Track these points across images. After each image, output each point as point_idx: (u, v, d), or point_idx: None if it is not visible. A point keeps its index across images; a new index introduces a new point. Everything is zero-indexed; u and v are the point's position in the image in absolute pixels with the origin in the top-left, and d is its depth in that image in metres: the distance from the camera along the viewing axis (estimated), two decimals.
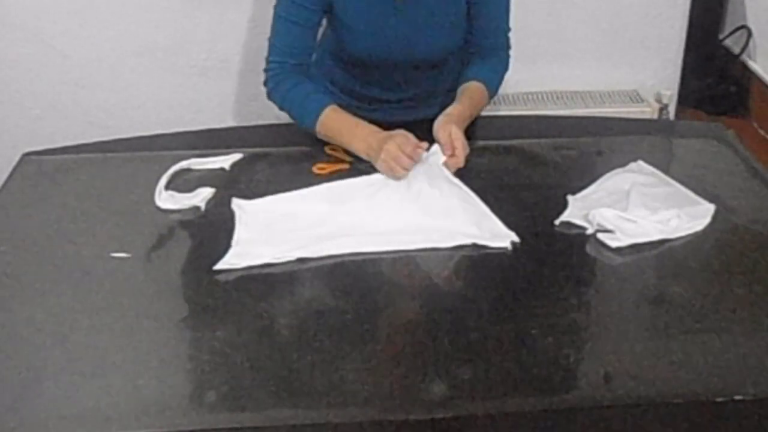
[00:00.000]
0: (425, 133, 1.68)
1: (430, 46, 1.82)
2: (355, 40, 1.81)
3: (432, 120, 1.72)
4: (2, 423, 1.13)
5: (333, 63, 1.91)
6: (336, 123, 1.73)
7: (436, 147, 1.65)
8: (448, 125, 1.68)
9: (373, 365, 1.22)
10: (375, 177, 1.63)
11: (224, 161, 1.72)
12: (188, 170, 1.71)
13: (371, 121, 1.72)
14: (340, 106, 1.77)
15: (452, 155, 1.64)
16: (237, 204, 1.57)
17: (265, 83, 1.81)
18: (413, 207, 1.56)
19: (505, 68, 1.92)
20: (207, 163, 1.72)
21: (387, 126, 1.69)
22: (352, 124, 1.72)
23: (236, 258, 1.42)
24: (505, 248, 1.45)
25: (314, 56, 1.89)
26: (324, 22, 1.86)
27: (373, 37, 1.79)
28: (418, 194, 1.58)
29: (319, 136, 1.75)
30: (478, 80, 1.84)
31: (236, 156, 1.74)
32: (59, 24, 2.43)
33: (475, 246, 1.46)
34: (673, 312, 1.33)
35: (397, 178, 1.60)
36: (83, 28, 2.43)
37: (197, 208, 1.59)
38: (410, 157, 1.60)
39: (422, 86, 1.91)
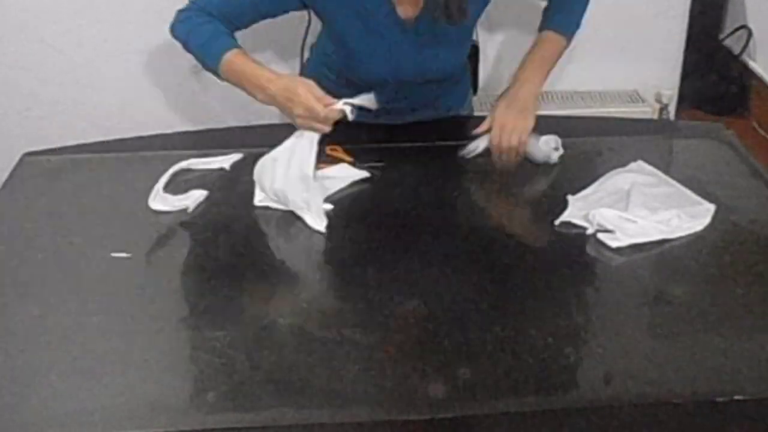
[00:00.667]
0: (428, 133, 1.67)
1: (440, 63, 1.78)
2: (363, 64, 1.75)
3: (437, 120, 1.72)
4: (2, 423, 1.13)
5: (330, 72, 1.85)
6: (240, 66, 1.63)
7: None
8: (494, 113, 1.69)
9: (373, 365, 1.22)
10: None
11: (224, 161, 1.72)
12: (188, 170, 1.71)
13: (372, 123, 1.70)
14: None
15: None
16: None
17: (176, 16, 1.72)
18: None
19: (584, 7, 1.87)
20: (207, 163, 1.72)
21: (370, 125, 1.68)
22: (256, 69, 1.62)
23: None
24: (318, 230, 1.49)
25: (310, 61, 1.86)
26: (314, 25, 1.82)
27: (381, 60, 1.74)
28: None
29: (222, 78, 1.67)
30: (551, 29, 1.81)
31: (236, 156, 1.74)
32: (59, 24, 2.43)
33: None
34: (673, 312, 1.33)
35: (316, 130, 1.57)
36: (83, 28, 2.43)
37: (197, 207, 1.59)
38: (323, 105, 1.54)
39: (424, 98, 1.88)
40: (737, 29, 3.13)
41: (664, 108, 2.66)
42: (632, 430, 1.18)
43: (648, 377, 1.19)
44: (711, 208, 1.55)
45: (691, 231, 1.51)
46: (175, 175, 1.68)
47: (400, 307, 1.32)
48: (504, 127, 1.70)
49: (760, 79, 3.06)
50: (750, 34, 3.09)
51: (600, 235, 1.48)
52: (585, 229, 1.50)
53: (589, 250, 1.47)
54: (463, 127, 1.98)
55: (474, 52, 2.61)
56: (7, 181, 1.70)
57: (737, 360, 1.22)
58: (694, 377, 1.21)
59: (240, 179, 1.68)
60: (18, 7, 2.41)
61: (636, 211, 1.51)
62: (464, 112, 2.03)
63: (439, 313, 1.32)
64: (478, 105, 2.63)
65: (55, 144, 1.85)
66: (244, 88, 1.64)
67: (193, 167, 1.71)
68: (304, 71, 1.94)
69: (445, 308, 1.33)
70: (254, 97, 1.63)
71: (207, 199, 1.62)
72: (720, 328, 1.29)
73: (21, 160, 1.77)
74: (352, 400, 1.17)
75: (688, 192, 1.60)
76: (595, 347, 1.28)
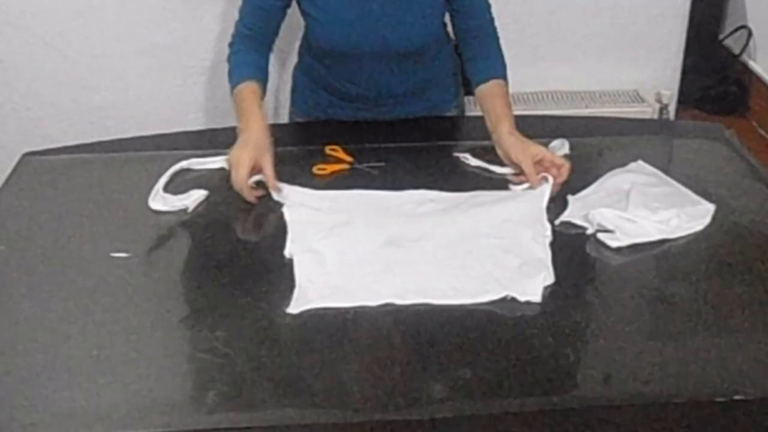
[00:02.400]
0: (411, 131, 1.66)
1: (407, 34, 1.79)
2: (329, 32, 1.79)
3: (418, 118, 1.72)
4: (2, 423, 1.13)
5: (311, 59, 1.91)
6: (238, 102, 1.75)
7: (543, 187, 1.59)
8: (531, 149, 1.62)
9: (373, 365, 1.22)
10: (424, 194, 1.61)
11: (224, 161, 1.72)
12: (188, 170, 1.71)
13: (359, 121, 1.71)
14: (326, 105, 1.78)
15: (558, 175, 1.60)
16: (289, 219, 1.54)
17: (228, 58, 1.84)
18: (459, 241, 1.48)
19: (499, 46, 1.87)
20: (207, 163, 1.72)
21: (369, 125, 1.68)
22: (246, 112, 1.71)
23: (302, 301, 1.34)
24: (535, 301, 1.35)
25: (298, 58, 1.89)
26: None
27: (346, 27, 1.77)
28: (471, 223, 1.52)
29: None
30: (497, 78, 1.81)
31: None
32: (59, 24, 2.43)
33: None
34: (673, 312, 1.33)
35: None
36: (83, 28, 2.43)
37: (197, 207, 1.59)
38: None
39: (404, 81, 1.88)
40: (737, 29, 3.14)
41: (664, 108, 2.66)
42: (632, 430, 1.18)
43: (648, 377, 1.19)
44: (711, 208, 1.55)
45: (691, 231, 1.51)
46: (175, 175, 1.68)
47: (401, 306, 1.32)
48: (535, 156, 1.65)
49: (760, 79, 3.06)
50: (750, 34, 3.09)
51: (600, 235, 1.48)
52: (585, 229, 1.50)
53: (589, 250, 1.47)
54: (457, 125, 1.99)
55: None
56: (7, 181, 1.70)
57: (737, 360, 1.22)
58: (694, 377, 1.20)
59: None
60: (18, 7, 2.41)
61: (636, 211, 1.51)
62: (454, 112, 2.03)
63: (439, 313, 1.32)
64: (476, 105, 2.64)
65: (55, 144, 1.85)
66: None
67: (193, 167, 1.71)
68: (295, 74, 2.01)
69: (445, 308, 1.32)
70: None
71: (207, 199, 1.62)
72: (720, 328, 1.29)
73: (21, 160, 1.77)
74: (352, 400, 1.17)
75: (688, 192, 1.60)
76: (595, 347, 1.28)
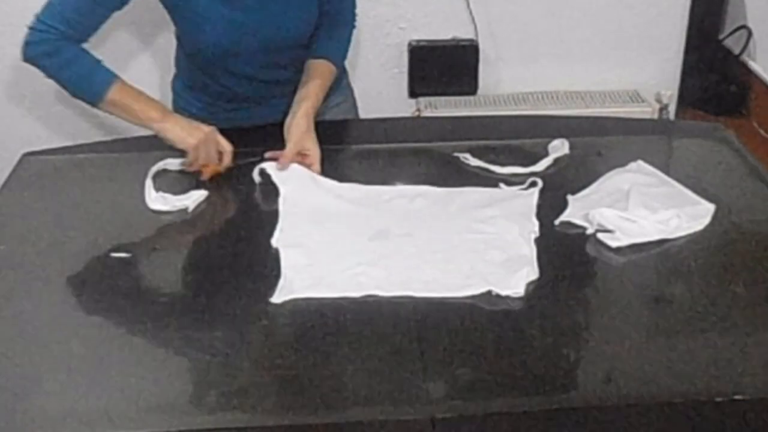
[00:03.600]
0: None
1: (292, 23, 1.76)
2: (208, 31, 1.71)
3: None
4: (2, 423, 1.13)
5: (188, 63, 1.85)
6: (131, 92, 1.68)
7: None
8: (307, 140, 1.68)
9: (373, 365, 1.22)
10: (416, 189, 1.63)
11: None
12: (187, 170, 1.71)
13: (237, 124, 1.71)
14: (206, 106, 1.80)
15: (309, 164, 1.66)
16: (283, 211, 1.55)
17: (31, 43, 1.68)
18: (447, 236, 1.50)
19: (350, 36, 1.88)
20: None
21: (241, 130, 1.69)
22: (147, 96, 1.69)
23: (285, 291, 1.36)
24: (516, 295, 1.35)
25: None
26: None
27: (227, 23, 1.70)
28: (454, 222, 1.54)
29: (102, 110, 1.70)
30: (325, 57, 1.82)
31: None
32: None
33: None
34: (673, 312, 1.33)
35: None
36: None
37: (197, 207, 1.59)
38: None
39: (284, 73, 1.84)
40: (737, 29, 3.13)
41: (664, 108, 2.66)
42: (632, 430, 1.18)
43: (648, 377, 1.19)
44: (711, 208, 1.55)
45: (691, 231, 1.50)
46: (175, 175, 1.68)
47: (400, 306, 1.32)
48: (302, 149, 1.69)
49: (760, 79, 3.06)
50: (750, 34, 3.08)
51: (600, 235, 1.48)
52: (585, 229, 1.50)
53: (589, 250, 1.47)
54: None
55: (474, 52, 2.63)
56: (7, 181, 1.70)
57: (737, 360, 1.22)
58: (694, 377, 1.21)
59: (240, 179, 1.68)
60: (18, 7, 2.40)
61: (636, 211, 1.51)
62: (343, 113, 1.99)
63: (439, 313, 1.32)
64: (481, 103, 2.64)
65: (55, 144, 1.85)
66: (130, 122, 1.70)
67: (169, 168, 1.69)
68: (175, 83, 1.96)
69: (445, 308, 1.33)
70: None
71: (207, 199, 1.62)
72: (720, 328, 1.29)
73: (21, 160, 1.77)
74: (352, 400, 1.17)
75: (688, 192, 1.60)
76: (595, 347, 1.28)
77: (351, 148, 1.74)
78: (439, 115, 2.58)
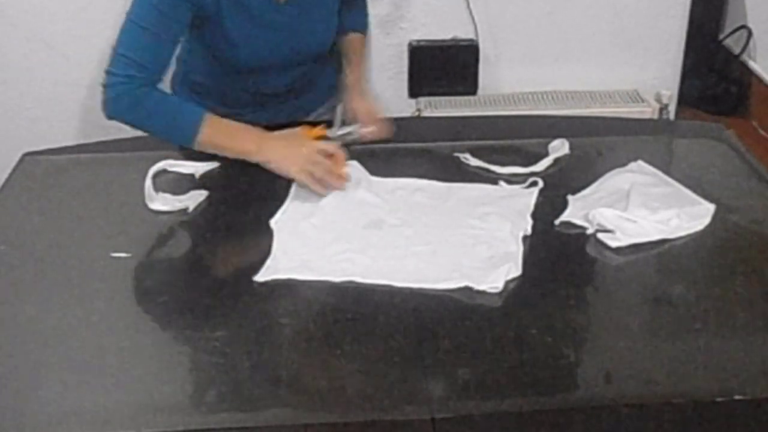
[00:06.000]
0: None
1: (318, 36, 1.82)
2: (240, 50, 1.75)
3: (314, 122, 1.77)
4: (2, 423, 1.13)
5: (204, 76, 1.86)
6: (221, 128, 1.67)
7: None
8: (366, 104, 1.82)
9: (373, 365, 1.22)
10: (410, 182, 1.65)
11: (200, 167, 1.69)
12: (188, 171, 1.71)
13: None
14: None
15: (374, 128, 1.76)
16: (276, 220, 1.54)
17: (110, 100, 1.67)
18: (435, 229, 1.51)
19: (365, 2, 2.01)
20: (181, 166, 1.70)
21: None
22: (238, 127, 1.68)
23: (271, 270, 1.39)
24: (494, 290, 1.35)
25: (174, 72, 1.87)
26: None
27: (259, 42, 1.75)
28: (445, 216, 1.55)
29: (197, 148, 1.67)
30: (357, 31, 1.95)
31: (210, 165, 1.71)
32: (59, 24, 2.43)
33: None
34: (673, 312, 1.33)
35: (321, 192, 1.58)
36: (83, 28, 2.43)
37: (197, 207, 1.59)
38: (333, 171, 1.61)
39: (303, 77, 1.90)
40: (737, 29, 3.14)
41: (664, 108, 2.66)
42: (632, 430, 1.18)
43: (648, 377, 1.19)
44: (711, 208, 1.55)
45: (691, 231, 1.50)
46: (175, 175, 1.68)
47: (400, 306, 1.32)
48: (371, 112, 1.83)
49: (760, 79, 3.06)
50: (750, 34, 3.09)
51: (600, 235, 1.48)
52: (585, 229, 1.50)
53: (589, 250, 1.47)
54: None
55: (474, 52, 2.63)
56: (7, 181, 1.70)
57: (737, 360, 1.22)
58: (694, 377, 1.21)
59: (240, 179, 1.68)
60: (18, 7, 2.41)
61: (636, 211, 1.51)
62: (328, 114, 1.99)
63: (438, 313, 1.32)
64: (481, 103, 2.64)
65: (55, 144, 1.85)
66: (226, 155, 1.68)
67: (169, 168, 1.69)
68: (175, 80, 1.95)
69: (445, 308, 1.33)
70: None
71: (207, 199, 1.62)
72: (720, 328, 1.29)
73: (21, 160, 1.77)
74: (352, 400, 1.17)
75: (688, 192, 1.60)
76: (595, 347, 1.28)
77: (351, 148, 1.74)
78: (439, 115, 2.58)
